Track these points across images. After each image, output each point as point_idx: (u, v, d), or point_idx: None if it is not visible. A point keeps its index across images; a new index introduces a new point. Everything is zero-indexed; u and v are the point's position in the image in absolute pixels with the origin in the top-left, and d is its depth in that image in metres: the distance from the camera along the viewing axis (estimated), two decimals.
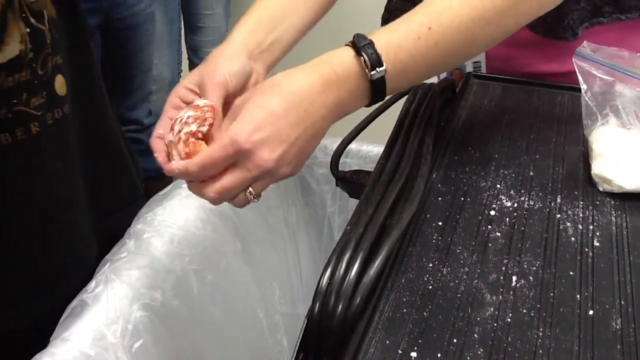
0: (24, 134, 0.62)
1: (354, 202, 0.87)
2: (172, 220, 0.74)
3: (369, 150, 0.88)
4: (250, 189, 0.52)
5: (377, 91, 0.52)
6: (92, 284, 0.63)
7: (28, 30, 0.61)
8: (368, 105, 0.55)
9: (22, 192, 0.65)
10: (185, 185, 0.81)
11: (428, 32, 0.52)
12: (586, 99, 0.60)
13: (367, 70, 0.51)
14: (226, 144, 0.49)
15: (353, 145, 0.91)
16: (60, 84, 0.67)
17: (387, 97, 0.55)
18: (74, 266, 0.72)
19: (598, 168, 0.56)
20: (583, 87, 0.61)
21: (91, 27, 1.26)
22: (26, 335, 0.63)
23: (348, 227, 0.46)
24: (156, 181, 1.58)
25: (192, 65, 1.95)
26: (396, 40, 0.52)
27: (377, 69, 0.51)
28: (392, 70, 0.52)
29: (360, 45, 0.51)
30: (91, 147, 0.76)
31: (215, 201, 0.54)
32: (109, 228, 0.76)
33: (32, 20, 0.61)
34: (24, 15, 0.61)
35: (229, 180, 0.51)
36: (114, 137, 0.83)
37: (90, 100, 0.77)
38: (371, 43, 0.51)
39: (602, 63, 0.62)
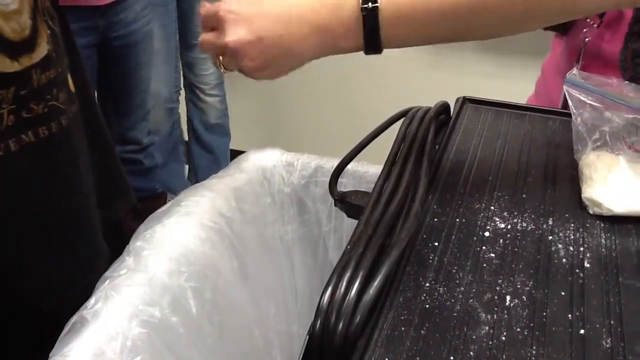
0: (57, 127, 0.66)
1: (348, 222, 0.89)
2: (171, 237, 0.75)
3: (365, 170, 0.90)
4: (221, 57, 0.57)
5: (368, 25, 0.52)
6: (92, 300, 0.63)
7: (49, 31, 0.65)
8: (363, 51, 0.55)
9: (59, 184, 0.70)
10: (184, 203, 0.82)
11: None
12: (577, 124, 0.63)
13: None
14: (213, 4, 0.56)
15: (349, 166, 0.93)
16: (70, 82, 0.72)
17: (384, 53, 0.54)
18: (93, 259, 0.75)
19: (588, 192, 0.58)
20: (574, 113, 0.63)
21: (87, 46, 1.28)
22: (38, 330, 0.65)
23: (348, 247, 0.48)
24: (152, 201, 1.59)
25: (187, 82, 1.96)
26: None
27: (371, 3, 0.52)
28: (386, 9, 0.52)
29: None
30: (92, 145, 0.80)
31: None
32: (107, 220, 0.81)
33: (50, 23, 0.66)
34: (45, 17, 0.65)
35: (204, 36, 0.58)
36: (108, 140, 0.87)
37: (86, 102, 0.81)
38: None
39: (592, 90, 0.65)
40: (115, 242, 0.77)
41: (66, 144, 0.71)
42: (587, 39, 0.83)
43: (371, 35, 0.53)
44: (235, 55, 0.55)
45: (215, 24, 0.56)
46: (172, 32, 1.75)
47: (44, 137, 0.65)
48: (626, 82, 0.67)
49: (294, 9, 0.54)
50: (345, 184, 0.92)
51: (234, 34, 0.54)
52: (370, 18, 0.52)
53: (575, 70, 0.65)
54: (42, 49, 0.64)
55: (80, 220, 0.78)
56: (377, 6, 0.51)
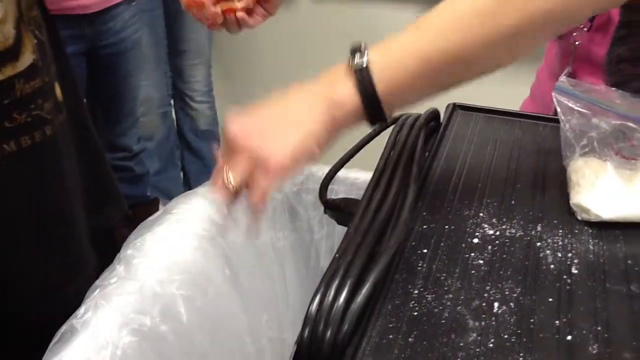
0: (41, 136, 0.66)
1: (340, 229, 0.89)
2: (162, 245, 0.75)
3: (355, 177, 0.90)
4: (230, 171, 0.53)
5: (363, 84, 0.51)
6: (82, 309, 0.63)
7: (35, 41, 0.65)
8: (368, 120, 0.53)
9: (41, 192, 0.70)
10: (175, 211, 0.82)
11: (416, 30, 0.53)
12: (565, 131, 0.63)
13: (349, 58, 0.52)
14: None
15: (340, 173, 0.93)
16: (58, 91, 0.72)
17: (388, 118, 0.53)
18: (80, 268, 0.76)
19: (577, 198, 0.58)
20: (562, 119, 0.64)
21: (76, 54, 1.27)
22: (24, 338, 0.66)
23: (337, 255, 0.48)
24: (144, 207, 1.59)
25: (175, 89, 1.95)
26: (386, 40, 0.53)
27: (359, 57, 0.52)
28: (377, 63, 0.51)
29: (353, 48, 0.53)
30: (81, 152, 0.81)
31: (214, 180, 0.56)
32: (98, 227, 0.82)
33: (37, 32, 0.66)
34: (31, 27, 0.65)
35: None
36: (98, 147, 0.88)
37: (75, 111, 0.82)
38: (364, 43, 0.53)
39: (580, 97, 0.65)
40: (106, 249, 0.78)
41: (51, 152, 0.71)
42: (577, 42, 0.84)
43: (367, 92, 0.51)
44: (241, 138, 0.52)
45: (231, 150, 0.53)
46: (160, 36, 1.75)
47: (26, 146, 0.65)
48: (613, 88, 0.68)
49: (293, 92, 0.54)
50: (336, 191, 0.92)
51: (236, 124, 0.53)
52: (362, 74, 0.51)
53: (564, 77, 0.66)
54: (27, 58, 0.64)
55: (65, 227, 0.79)
56: (367, 67, 0.51)
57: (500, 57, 0.54)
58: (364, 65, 0.51)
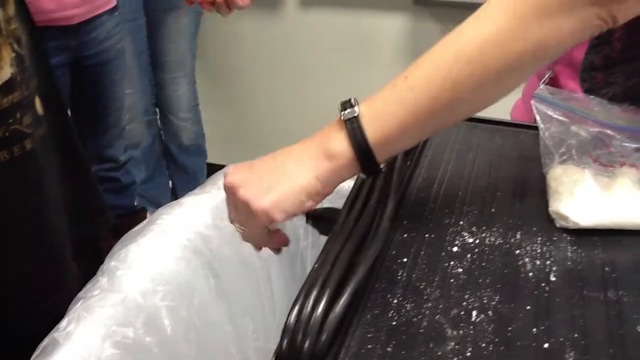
0: (20, 150, 0.66)
1: (325, 238, 0.89)
2: (146, 256, 0.75)
3: (340, 185, 0.90)
4: (236, 221, 0.58)
5: (355, 137, 0.52)
6: (64, 322, 0.63)
7: (14, 54, 0.65)
8: (361, 170, 0.54)
9: (18, 207, 0.70)
10: (159, 221, 0.82)
11: (404, 80, 0.54)
12: (544, 139, 0.64)
13: (340, 111, 0.53)
14: None
15: None
16: (38, 104, 0.72)
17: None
18: (59, 284, 0.76)
19: (555, 205, 0.59)
20: (541, 127, 0.64)
21: (59, 65, 1.27)
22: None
23: (316, 265, 0.48)
24: (128, 218, 1.59)
25: (159, 104, 1.92)
26: (375, 93, 0.54)
27: (348, 109, 0.53)
28: (367, 114, 0.53)
29: (343, 101, 0.54)
30: (65, 165, 0.81)
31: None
32: (84, 239, 0.82)
33: (15, 46, 0.66)
34: (9, 40, 0.65)
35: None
36: (82, 159, 0.88)
37: (59, 124, 0.82)
38: (354, 98, 0.54)
39: (559, 105, 0.66)
40: (93, 261, 0.77)
41: (31, 166, 0.71)
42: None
43: (360, 146, 0.52)
44: (233, 190, 0.55)
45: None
46: (143, 46, 1.75)
47: (4, 161, 0.65)
48: (592, 96, 0.68)
49: (288, 148, 0.56)
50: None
51: (230, 176, 0.56)
52: (354, 126, 0.52)
53: (542, 85, 0.67)
54: (5, 73, 0.64)
55: (46, 240, 0.79)
56: (356, 117, 0.52)
57: (488, 98, 0.55)
58: (355, 116, 0.52)
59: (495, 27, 0.52)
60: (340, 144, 0.53)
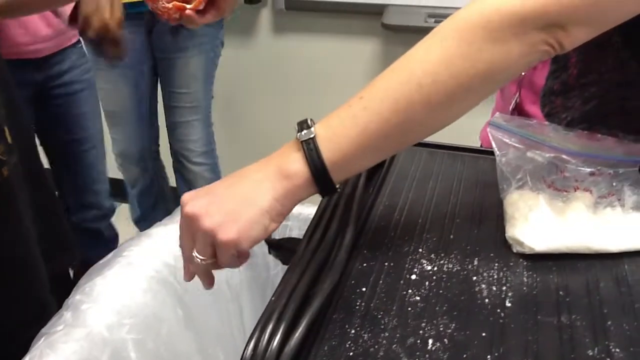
0: None
1: None
2: (112, 289, 0.75)
3: (309, 213, 0.91)
4: (195, 250, 0.56)
5: (311, 158, 0.53)
6: (26, 359, 0.63)
7: None
8: (318, 191, 0.55)
9: (3, 234, 0.70)
10: (125, 253, 0.82)
11: (359, 100, 0.55)
12: (500, 165, 0.65)
13: (296, 132, 0.54)
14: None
15: (295, 209, 0.94)
16: (7, 133, 0.72)
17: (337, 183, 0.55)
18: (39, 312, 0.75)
19: (511, 231, 0.60)
20: (497, 154, 0.66)
21: (24, 101, 1.25)
22: None
23: (273, 298, 0.48)
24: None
25: (172, 149, 1.83)
26: (331, 113, 0.56)
27: (305, 130, 0.54)
28: (322, 135, 0.54)
29: (300, 121, 0.55)
30: (34, 197, 0.81)
31: (184, 260, 0.60)
32: (54, 273, 0.82)
33: None
34: None
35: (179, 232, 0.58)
36: (50, 192, 0.88)
37: (27, 153, 0.82)
38: (310, 119, 0.55)
39: (514, 132, 0.67)
40: (64, 296, 0.77)
41: (7, 194, 0.71)
42: (522, 73, 0.87)
43: (316, 165, 0.53)
44: (194, 220, 0.54)
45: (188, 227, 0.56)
46: (144, 95, 1.69)
47: None
48: (547, 123, 0.70)
49: (244, 169, 0.56)
50: (290, 227, 0.93)
51: (191, 205, 0.55)
52: (310, 146, 0.53)
53: (498, 114, 0.68)
54: None
55: (25, 271, 0.78)
56: (313, 138, 0.53)
57: (439, 121, 0.56)
58: (311, 137, 0.53)
59: (445, 51, 0.53)
60: (296, 164, 0.54)
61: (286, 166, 0.54)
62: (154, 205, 1.91)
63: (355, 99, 0.55)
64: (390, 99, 0.53)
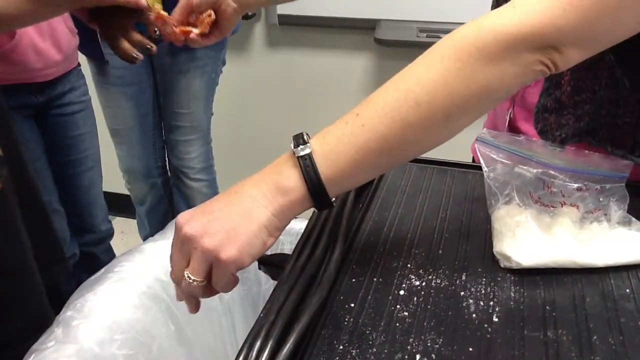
0: None
1: None
2: (103, 305, 0.75)
3: (301, 228, 0.91)
4: (187, 271, 0.55)
5: (308, 174, 0.53)
6: None
7: None
8: (314, 205, 0.55)
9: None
10: (117, 269, 0.82)
11: (355, 117, 0.55)
12: (488, 181, 0.66)
13: (292, 148, 0.54)
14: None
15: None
16: None
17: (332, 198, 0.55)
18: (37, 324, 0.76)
19: (498, 246, 0.61)
20: (485, 170, 0.67)
21: (24, 120, 1.26)
22: None
23: (261, 314, 0.49)
24: None
25: (171, 166, 1.83)
26: (327, 128, 0.56)
27: (301, 146, 0.54)
28: (319, 151, 0.54)
29: (295, 135, 0.55)
30: (25, 209, 0.81)
31: (174, 280, 0.58)
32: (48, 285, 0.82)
33: None
34: None
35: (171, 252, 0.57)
36: (42, 206, 0.89)
37: (17, 165, 0.83)
38: (305, 133, 0.55)
39: (502, 148, 0.68)
40: (57, 309, 0.77)
41: (4, 206, 0.72)
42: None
43: (313, 182, 0.54)
44: (193, 239, 0.54)
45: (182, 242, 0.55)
46: (147, 110, 1.69)
47: None
48: (534, 139, 0.71)
49: (238, 185, 0.56)
50: (282, 242, 0.93)
51: (189, 225, 0.54)
52: (307, 163, 0.54)
53: (485, 130, 0.69)
54: None
55: (25, 281, 0.78)
56: (309, 154, 0.54)
57: (436, 138, 0.56)
58: (308, 153, 0.54)
59: (442, 70, 0.53)
60: (293, 180, 0.54)
61: (282, 182, 0.55)
62: (162, 224, 1.90)
63: (352, 115, 0.55)
64: (387, 117, 0.54)
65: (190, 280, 0.55)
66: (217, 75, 1.74)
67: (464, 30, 0.54)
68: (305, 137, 0.55)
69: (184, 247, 0.55)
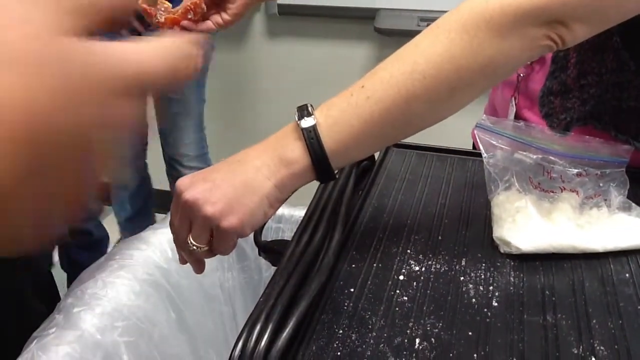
0: None
1: None
2: (104, 292, 0.75)
3: (300, 215, 0.91)
4: (191, 237, 0.56)
5: (312, 146, 0.53)
6: None
7: None
8: (317, 177, 0.55)
9: None
10: (117, 256, 0.82)
11: (360, 89, 0.54)
12: (487, 167, 0.66)
13: (296, 120, 0.54)
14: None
15: (286, 211, 0.95)
16: None
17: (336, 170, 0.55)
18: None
19: (498, 231, 0.61)
20: (485, 156, 0.67)
21: None
22: None
23: (261, 299, 0.49)
24: None
25: (165, 155, 1.85)
26: (331, 100, 0.56)
27: (305, 117, 0.54)
28: (323, 123, 0.54)
29: (299, 106, 0.55)
30: None
31: (177, 246, 0.59)
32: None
33: None
34: None
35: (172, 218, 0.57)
36: None
37: None
38: (310, 105, 0.55)
39: (501, 133, 0.68)
40: (51, 301, 0.77)
41: None
42: (521, 75, 0.88)
43: (317, 153, 0.53)
44: (195, 206, 0.53)
45: (179, 207, 0.55)
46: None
47: None
48: (533, 124, 0.71)
49: (241, 154, 0.56)
50: (283, 229, 0.93)
51: (190, 192, 0.54)
52: (311, 135, 0.53)
53: (484, 116, 0.69)
54: None
55: (8, 272, 0.78)
56: (314, 126, 0.53)
57: (440, 112, 0.56)
58: (313, 125, 0.53)
59: (449, 43, 0.53)
60: (297, 152, 0.54)
61: (286, 154, 0.54)
62: (144, 204, 1.92)
63: (357, 87, 0.55)
64: (393, 89, 0.53)
65: (195, 247, 0.56)
66: (208, 61, 1.74)
67: (472, 3, 0.54)
68: (309, 108, 0.55)
69: (185, 213, 0.55)
